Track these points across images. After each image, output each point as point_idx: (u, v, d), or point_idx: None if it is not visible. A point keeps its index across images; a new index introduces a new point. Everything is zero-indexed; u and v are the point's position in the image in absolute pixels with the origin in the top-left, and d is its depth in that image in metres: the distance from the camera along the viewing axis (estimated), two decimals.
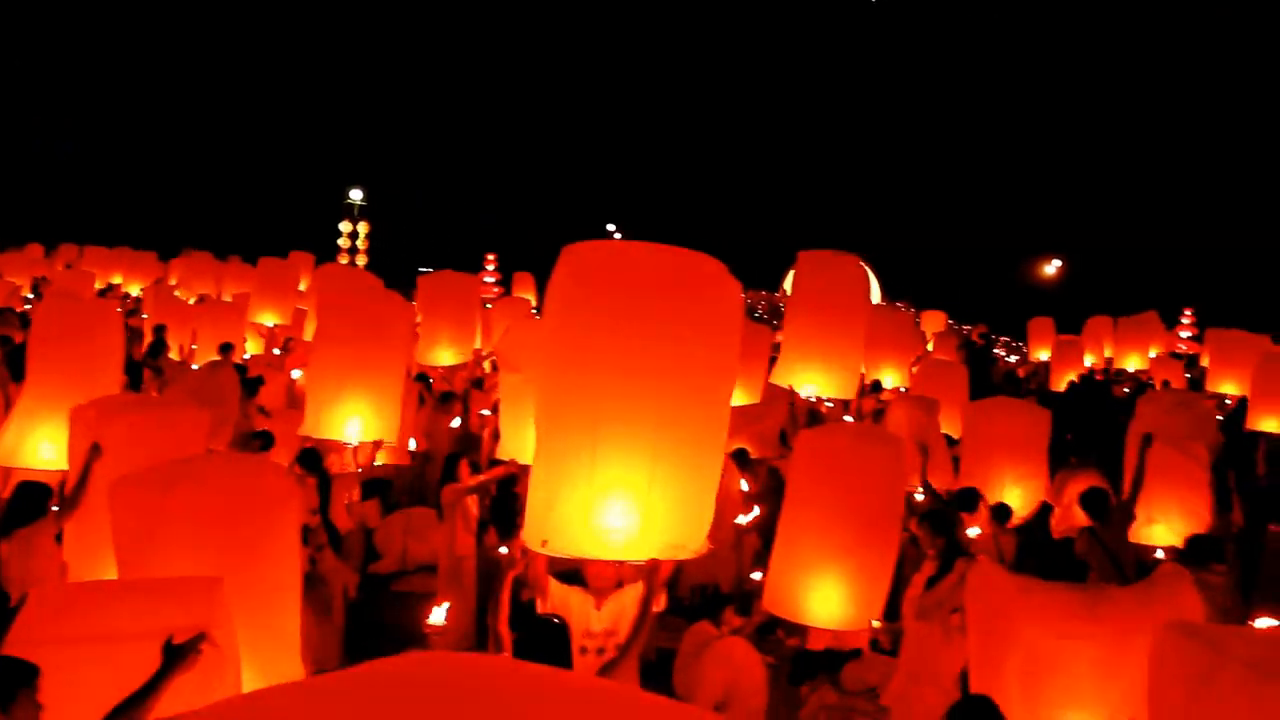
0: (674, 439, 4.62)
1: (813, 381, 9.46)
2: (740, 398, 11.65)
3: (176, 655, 3.61)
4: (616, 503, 4.56)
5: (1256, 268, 43.41)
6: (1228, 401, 17.67)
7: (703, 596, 7.63)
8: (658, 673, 7.53)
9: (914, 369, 15.15)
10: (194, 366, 13.38)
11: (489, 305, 20.60)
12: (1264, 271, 42.60)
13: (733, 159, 63.01)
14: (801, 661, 6.72)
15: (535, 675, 1.72)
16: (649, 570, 4.76)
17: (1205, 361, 20.75)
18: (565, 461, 4.68)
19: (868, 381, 14.66)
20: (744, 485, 8.83)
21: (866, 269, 10.54)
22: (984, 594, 4.74)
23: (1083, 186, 52.23)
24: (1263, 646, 2.95)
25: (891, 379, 14.36)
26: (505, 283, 33.21)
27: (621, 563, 5.23)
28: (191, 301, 19.45)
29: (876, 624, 6.39)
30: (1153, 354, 22.87)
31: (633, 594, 5.07)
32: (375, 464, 11.01)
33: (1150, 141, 51.39)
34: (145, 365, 13.28)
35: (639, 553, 4.65)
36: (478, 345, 14.98)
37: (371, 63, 58.27)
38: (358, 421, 8.56)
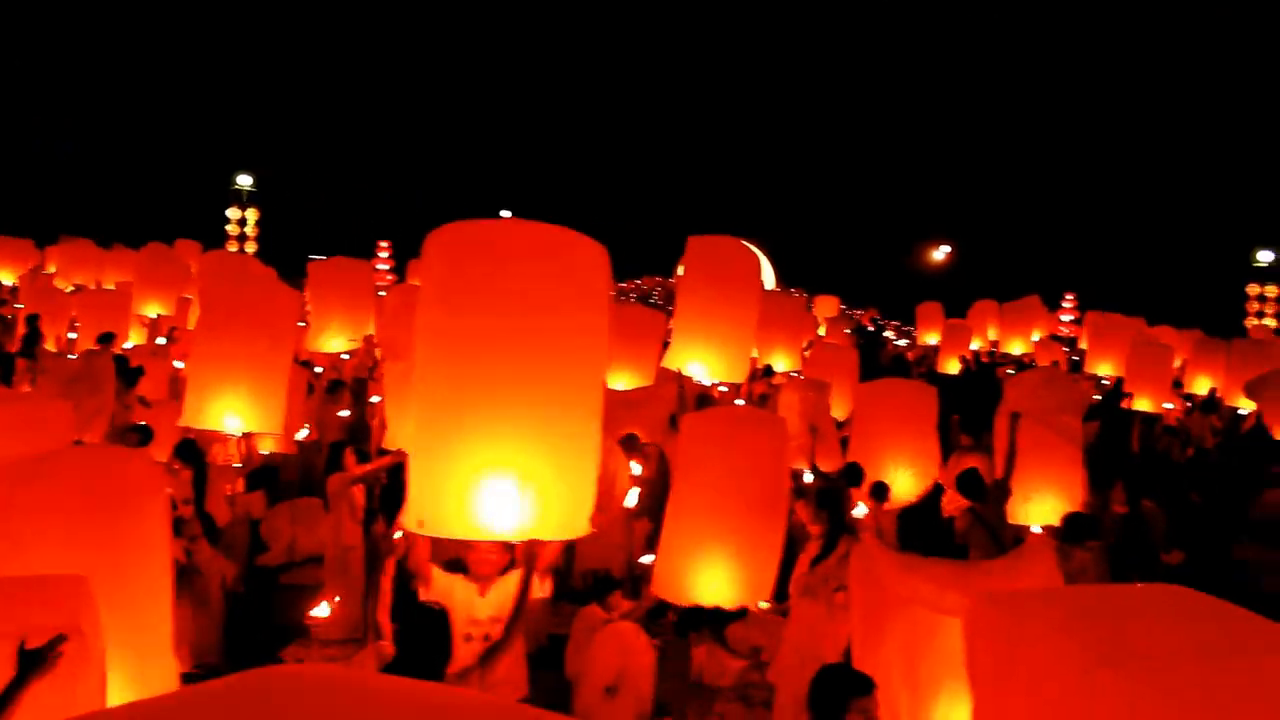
0: (548, 416, 4.60)
1: (703, 365, 9.50)
2: (632, 381, 11.70)
3: (34, 659, 3.46)
4: (493, 482, 4.51)
5: (1135, 252, 45.15)
6: (1105, 382, 18.35)
7: (593, 580, 7.62)
8: (549, 658, 7.53)
9: (806, 353, 15.38)
10: (71, 357, 12.92)
11: (382, 293, 20.29)
12: (1142, 256, 44.34)
13: (629, 146, 63.09)
14: (689, 615, 6.74)
15: (382, 689, 1.68)
16: (528, 552, 4.72)
17: (1084, 344, 21.49)
18: (441, 442, 4.64)
19: (760, 366, 14.84)
20: (635, 469, 8.85)
21: (757, 252, 10.59)
22: (866, 571, 4.81)
23: (971, 174, 53.56)
24: (1069, 607, 2.92)
25: (783, 363, 14.55)
26: (399, 270, 32.74)
27: (506, 549, 5.21)
28: (69, 290, 18.74)
29: (765, 605, 6.46)
30: (1036, 337, 23.62)
31: (517, 580, 5.04)
32: (263, 454, 10.80)
33: (1035, 130, 52.92)
34: (19, 357, 12.82)
35: (518, 533, 4.61)
36: (369, 333, 14.75)
37: (259, 44, 56.78)
38: (239, 412, 8.33)
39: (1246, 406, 15.65)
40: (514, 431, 4.54)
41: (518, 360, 4.52)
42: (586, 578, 8.52)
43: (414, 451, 4.88)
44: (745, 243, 10.54)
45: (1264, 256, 36.90)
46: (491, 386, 4.53)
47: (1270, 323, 34.51)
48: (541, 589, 5.32)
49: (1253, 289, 36.48)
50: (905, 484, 9.34)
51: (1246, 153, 45.55)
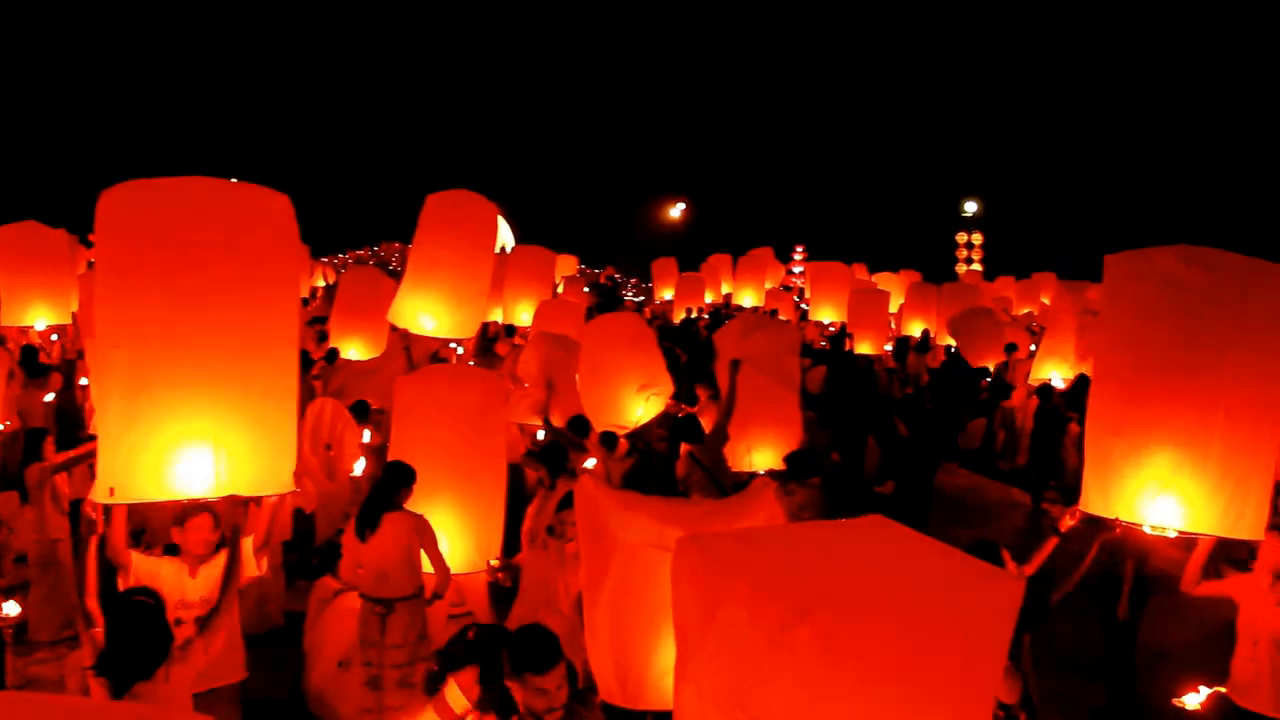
0: (237, 373, 4.44)
1: (433, 320, 9.27)
2: (363, 349, 11.41)
3: None
4: (184, 442, 4.34)
5: (859, 205, 47.98)
6: (831, 327, 19.37)
7: (327, 549, 7.43)
8: (287, 635, 7.32)
9: None
10: None
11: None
12: (865, 208, 47.16)
13: (367, 111, 61.17)
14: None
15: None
16: (232, 516, 4.54)
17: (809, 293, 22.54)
18: (127, 406, 4.38)
19: (503, 324, 14.77)
20: (365, 437, 8.66)
21: (494, 209, 10.35)
22: (587, 511, 4.79)
23: (703, 132, 55.05)
24: (768, 552, 2.88)
25: (528, 321, 14.45)
26: None
27: (216, 526, 5.00)
28: None
29: (494, 562, 6.45)
30: (768, 287, 24.55)
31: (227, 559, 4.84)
32: None
33: (762, 89, 54.94)
34: None
35: (214, 490, 4.43)
36: (75, 309, 13.67)
37: None
38: None
39: (953, 344, 16.93)
40: (203, 389, 4.36)
41: (202, 317, 4.34)
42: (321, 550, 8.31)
43: (101, 419, 4.61)
44: (481, 197, 10.25)
45: (970, 207, 40.00)
46: (176, 346, 4.33)
47: (978, 267, 37.37)
48: (258, 566, 5.14)
49: (961, 236, 39.47)
50: (650, 407, 9.35)
51: (953, 112, 49.08)
